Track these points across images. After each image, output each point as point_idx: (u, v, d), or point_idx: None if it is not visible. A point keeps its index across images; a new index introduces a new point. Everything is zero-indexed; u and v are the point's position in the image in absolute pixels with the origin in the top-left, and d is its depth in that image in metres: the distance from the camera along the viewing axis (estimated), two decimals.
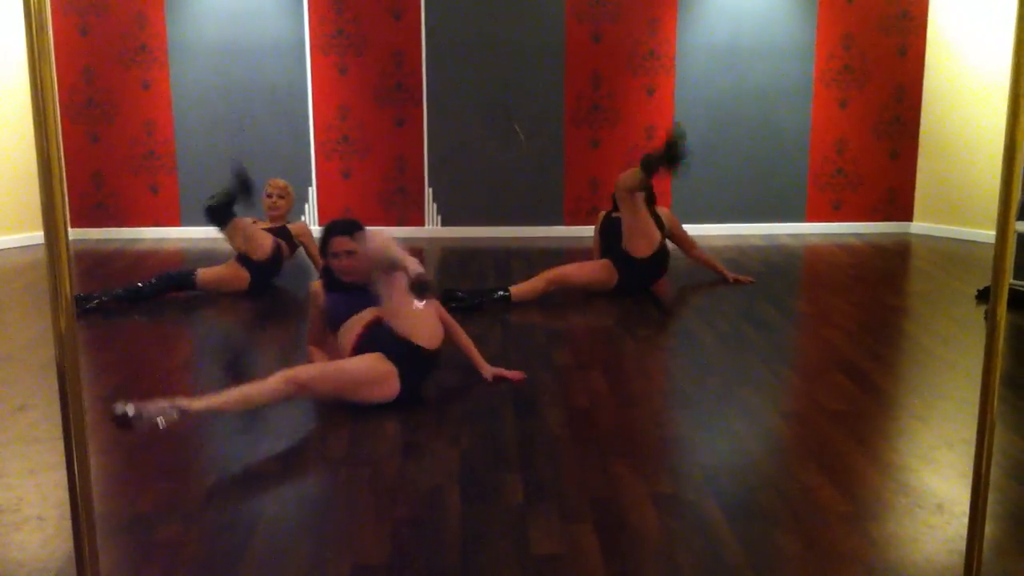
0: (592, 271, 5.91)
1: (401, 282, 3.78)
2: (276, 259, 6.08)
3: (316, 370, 3.71)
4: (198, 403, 3.34)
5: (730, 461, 3.42)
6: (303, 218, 7.95)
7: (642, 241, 5.84)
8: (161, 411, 3.20)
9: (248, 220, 6.09)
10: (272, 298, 5.96)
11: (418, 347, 3.88)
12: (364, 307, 4.00)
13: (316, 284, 4.25)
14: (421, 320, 3.92)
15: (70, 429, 2.17)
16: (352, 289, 4.08)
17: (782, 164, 8.30)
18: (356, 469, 3.32)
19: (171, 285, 5.85)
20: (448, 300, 5.24)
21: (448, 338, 4.19)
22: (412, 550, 2.72)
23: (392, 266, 3.76)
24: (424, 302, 3.86)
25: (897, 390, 4.40)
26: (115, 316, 5.46)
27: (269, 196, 6.28)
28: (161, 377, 4.46)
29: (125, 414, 3.15)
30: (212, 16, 7.90)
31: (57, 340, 2.18)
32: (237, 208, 5.91)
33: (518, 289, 5.64)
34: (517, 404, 3.93)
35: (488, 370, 4.26)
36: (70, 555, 2.48)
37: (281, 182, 6.37)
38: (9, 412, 3.87)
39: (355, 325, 3.97)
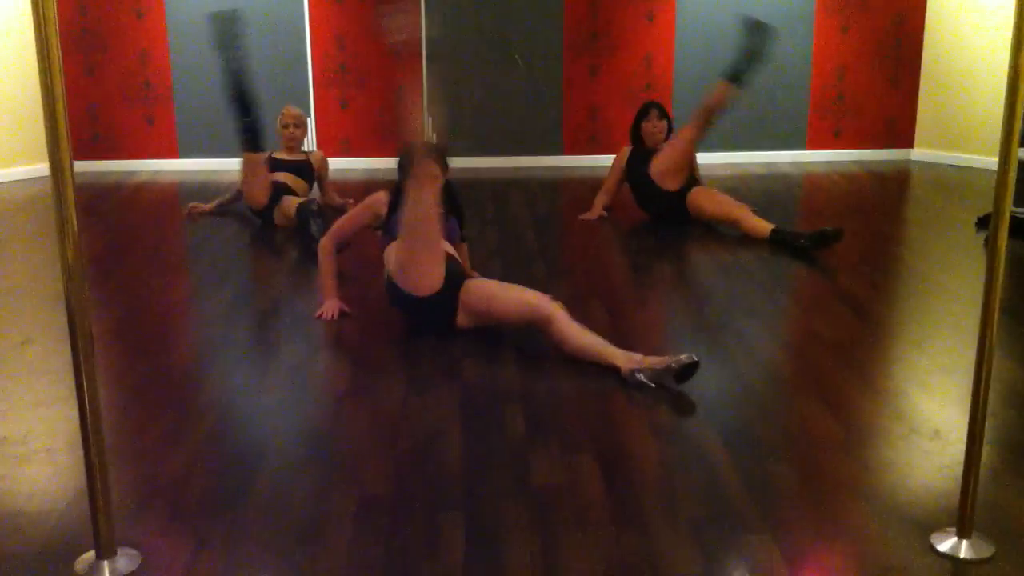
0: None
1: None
2: (271, 205, 5.90)
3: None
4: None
5: (728, 391, 3.46)
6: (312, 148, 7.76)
7: (677, 176, 5.90)
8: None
9: (262, 157, 5.88)
10: (280, 233, 5.91)
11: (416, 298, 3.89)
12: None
13: (383, 194, 4.19)
14: (423, 269, 3.85)
15: (79, 361, 2.19)
16: None
17: (783, 91, 8.22)
18: (359, 403, 3.36)
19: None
20: None
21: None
22: (415, 482, 2.75)
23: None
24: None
25: (895, 318, 4.42)
26: (118, 248, 5.46)
27: (286, 127, 6.08)
28: (164, 309, 4.48)
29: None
30: None
31: (65, 272, 2.19)
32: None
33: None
34: (518, 339, 3.94)
35: None
36: (79, 488, 2.51)
37: (296, 110, 6.15)
38: (14, 345, 3.90)
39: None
